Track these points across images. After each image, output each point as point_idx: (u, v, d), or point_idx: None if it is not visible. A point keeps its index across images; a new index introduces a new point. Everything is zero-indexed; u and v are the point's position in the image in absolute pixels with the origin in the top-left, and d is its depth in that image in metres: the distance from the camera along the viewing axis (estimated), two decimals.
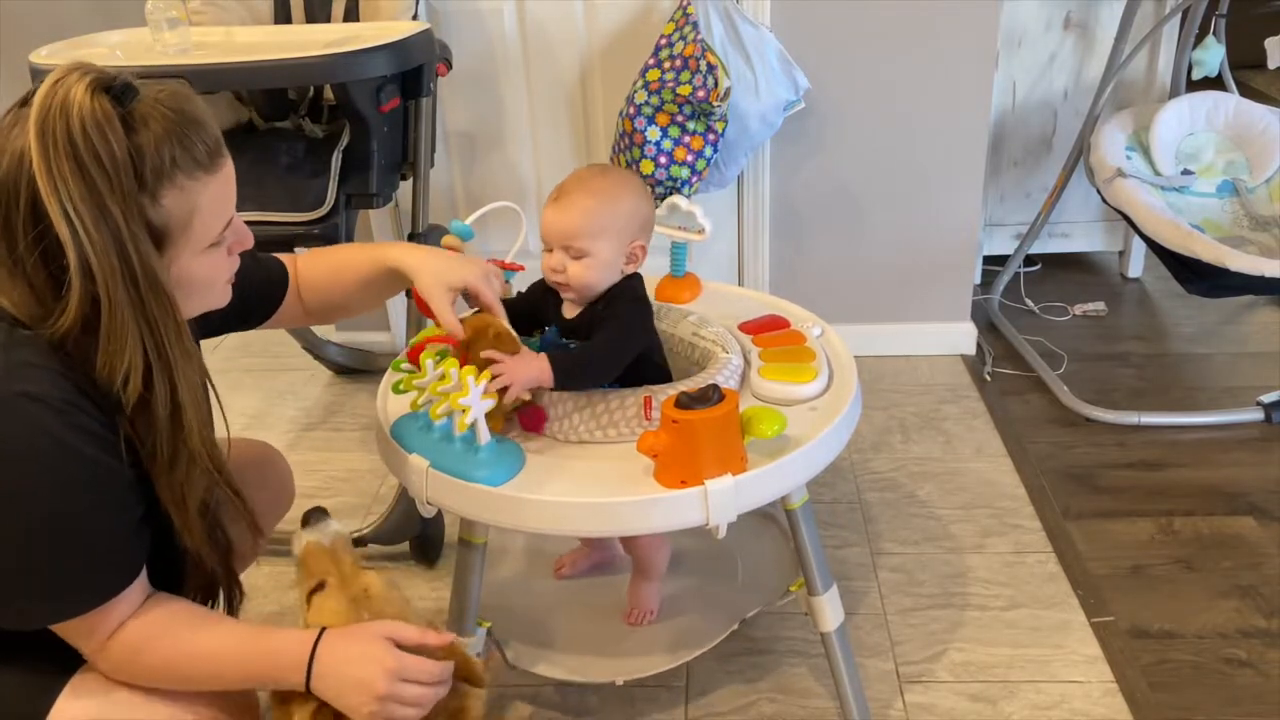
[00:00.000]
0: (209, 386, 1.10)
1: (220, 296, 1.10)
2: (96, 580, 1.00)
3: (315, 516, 1.21)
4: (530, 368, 1.23)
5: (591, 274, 1.31)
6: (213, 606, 1.17)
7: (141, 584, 1.05)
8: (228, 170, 1.03)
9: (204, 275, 1.04)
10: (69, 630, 1.02)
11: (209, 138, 1.00)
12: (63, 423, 0.95)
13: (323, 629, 1.07)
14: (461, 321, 1.27)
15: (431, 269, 1.27)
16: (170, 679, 1.05)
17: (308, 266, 1.36)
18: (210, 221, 1.01)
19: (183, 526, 1.06)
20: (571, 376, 1.26)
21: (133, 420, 1.00)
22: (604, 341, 1.30)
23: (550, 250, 1.32)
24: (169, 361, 0.99)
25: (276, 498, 1.40)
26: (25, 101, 0.95)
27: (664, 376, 1.41)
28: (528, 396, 1.26)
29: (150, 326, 0.97)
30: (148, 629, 1.03)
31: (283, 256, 1.36)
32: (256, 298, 1.32)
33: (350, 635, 1.07)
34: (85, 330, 0.96)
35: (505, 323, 1.28)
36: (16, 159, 0.92)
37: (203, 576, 1.13)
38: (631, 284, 1.35)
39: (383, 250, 1.33)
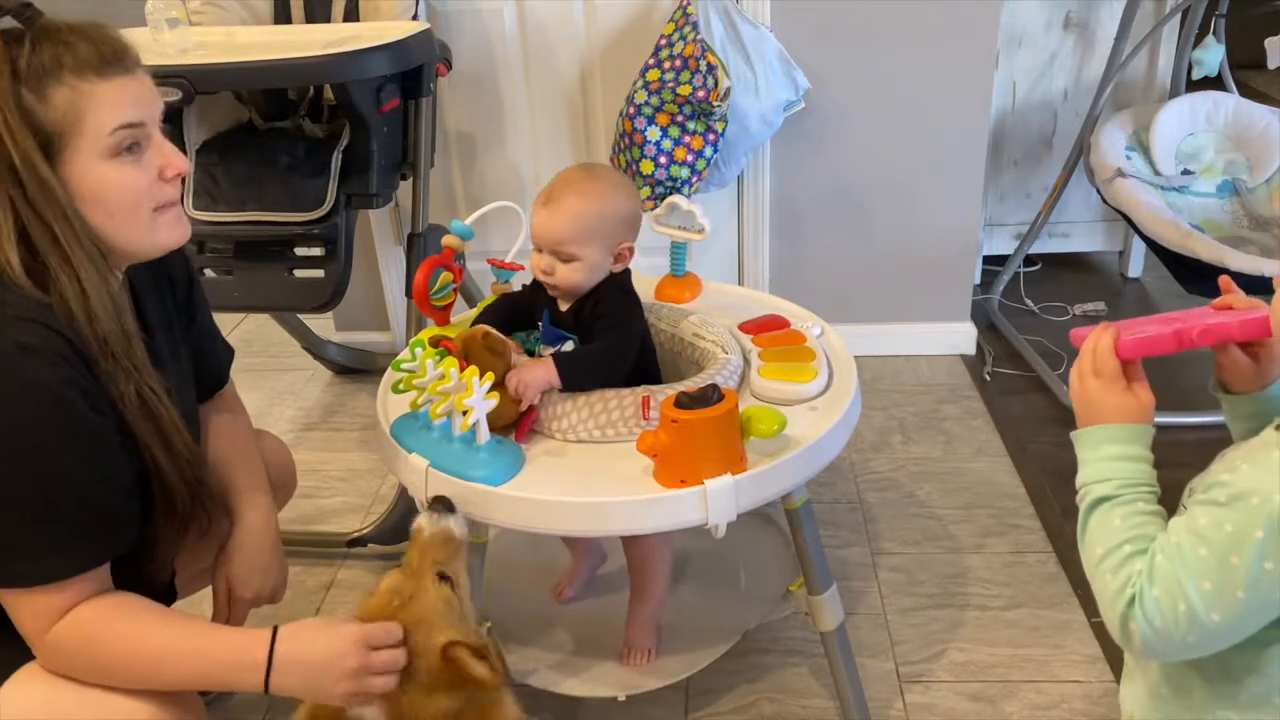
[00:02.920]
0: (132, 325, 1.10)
1: (146, 224, 1.07)
2: (75, 545, 1.01)
3: (437, 505, 1.19)
4: (538, 372, 1.26)
5: (579, 276, 1.32)
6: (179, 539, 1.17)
7: (105, 571, 1.05)
8: (129, 81, 1.04)
9: (115, 188, 1.03)
10: (24, 602, 1.01)
11: (104, 46, 1.02)
12: (55, 375, 0.98)
13: (275, 627, 1.07)
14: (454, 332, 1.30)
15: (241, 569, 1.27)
16: (119, 674, 1.04)
17: (214, 420, 1.36)
18: (104, 124, 1.01)
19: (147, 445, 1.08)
20: (578, 377, 1.28)
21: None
22: (606, 343, 1.33)
23: (540, 251, 1.33)
24: (67, 256, 1.01)
25: (277, 490, 1.41)
26: None
27: (652, 361, 1.43)
28: (536, 400, 1.27)
29: (40, 219, 0.99)
30: (101, 616, 1.02)
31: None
32: (208, 374, 1.35)
33: (305, 625, 1.08)
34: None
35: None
36: None
37: (173, 507, 1.13)
38: (616, 279, 1.36)
39: (235, 499, 1.30)
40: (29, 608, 1.01)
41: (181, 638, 1.06)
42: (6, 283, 0.99)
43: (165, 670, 1.05)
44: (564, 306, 1.38)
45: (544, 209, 1.32)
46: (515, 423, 1.28)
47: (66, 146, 1.01)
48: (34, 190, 0.99)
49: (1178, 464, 2.30)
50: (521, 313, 1.43)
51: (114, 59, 1.03)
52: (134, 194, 1.05)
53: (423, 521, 1.18)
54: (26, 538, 0.99)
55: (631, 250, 1.35)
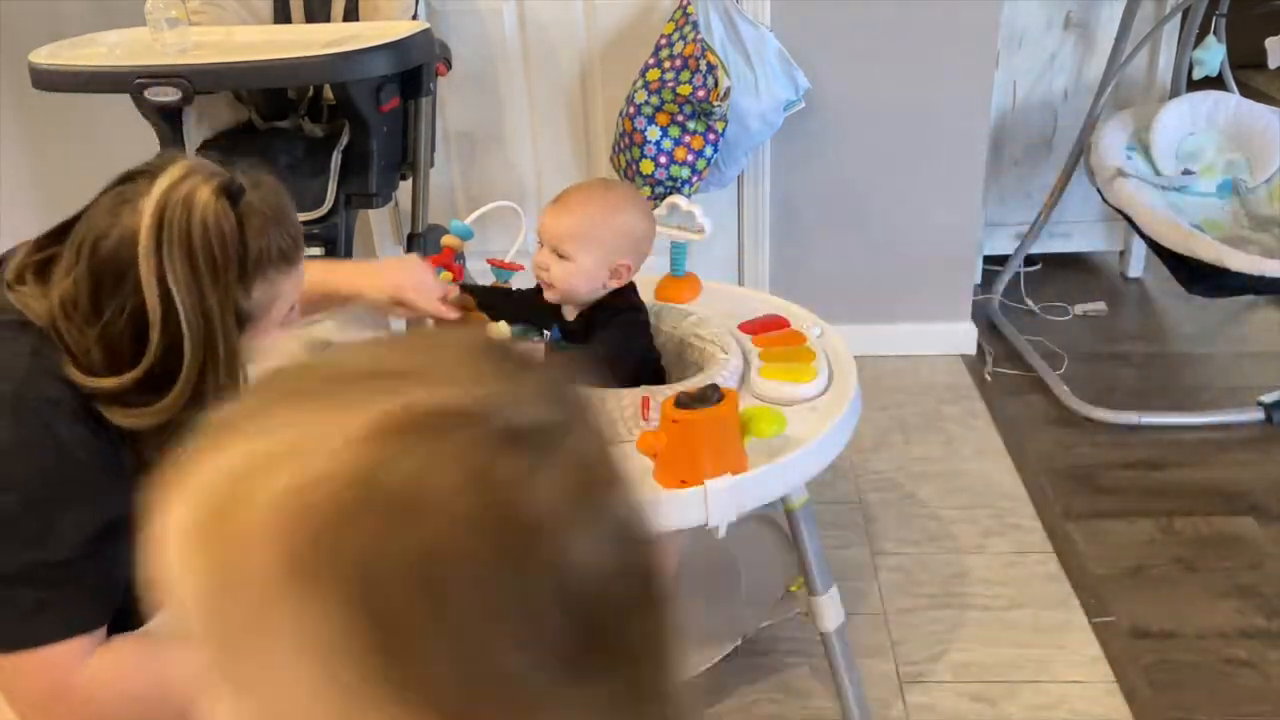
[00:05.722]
0: None
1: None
2: (72, 608, 0.97)
3: None
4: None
5: (572, 279, 1.34)
6: None
7: (103, 631, 1.01)
8: (300, 266, 1.08)
9: (259, 346, 1.07)
10: (17, 668, 0.95)
11: (295, 232, 1.05)
12: (74, 435, 0.96)
13: None
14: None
15: (372, 287, 1.34)
16: (160, 700, 0.99)
17: None
18: (285, 306, 1.07)
19: None
20: None
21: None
22: (604, 350, 1.34)
23: (542, 246, 1.36)
24: (196, 399, 1.01)
25: None
26: (126, 179, 0.99)
27: (660, 381, 1.43)
28: None
29: (212, 369, 1.00)
30: (120, 659, 0.99)
31: None
32: None
33: None
34: (140, 390, 0.98)
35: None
36: (129, 239, 0.96)
37: None
38: (625, 294, 1.39)
39: (325, 283, 1.34)
40: (25, 674, 0.95)
41: None
42: (49, 336, 0.97)
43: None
44: (571, 316, 1.39)
45: (553, 206, 1.35)
46: None
47: (251, 327, 1.04)
48: (223, 369, 1.00)
49: (1178, 464, 2.30)
50: (523, 311, 1.45)
51: (299, 241, 1.05)
52: (268, 343, 1.09)
53: None
54: (22, 596, 0.95)
55: (629, 269, 1.36)
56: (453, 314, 1.39)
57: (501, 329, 1.35)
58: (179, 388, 0.98)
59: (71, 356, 0.97)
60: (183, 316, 0.96)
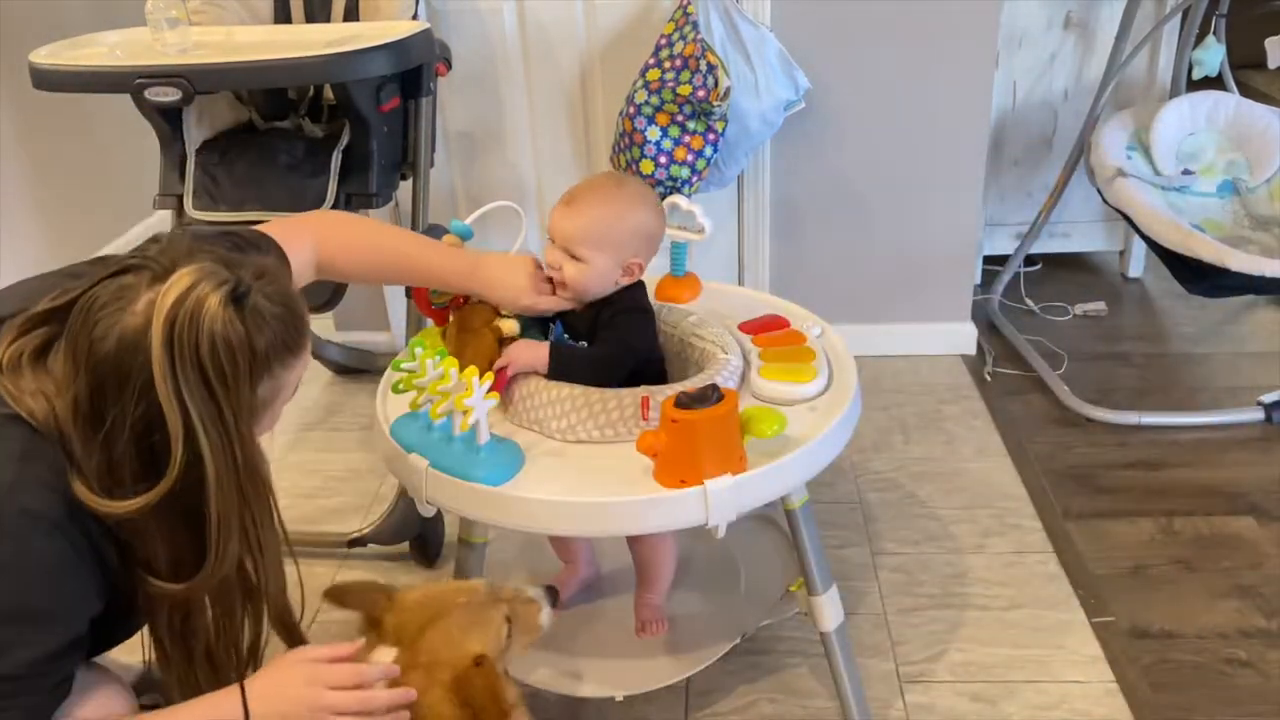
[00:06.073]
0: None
1: None
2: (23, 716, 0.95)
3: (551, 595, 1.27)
4: (528, 353, 1.30)
5: (584, 279, 1.34)
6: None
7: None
8: (306, 355, 1.05)
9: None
10: None
11: (301, 321, 1.03)
12: (52, 551, 0.93)
13: (242, 680, 1.04)
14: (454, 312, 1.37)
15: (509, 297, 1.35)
16: None
17: (345, 253, 1.29)
18: (288, 394, 1.05)
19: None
20: (566, 369, 1.30)
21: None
22: (605, 349, 1.35)
23: (552, 244, 1.36)
24: (260, 541, 1.02)
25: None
26: (123, 270, 0.95)
27: (660, 381, 1.44)
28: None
29: (247, 510, 1.00)
30: None
31: (291, 237, 1.23)
32: None
33: (268, 670, 1.06)
34: (157, 515, 0.95)
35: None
36: (130, 343, 0.92)
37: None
38: (633, 293, 1.39)
39: (452, 271, 1.34)
40: None
41: None
42: (49, 438, 0.94)
43: None
44: (574, 310, 1.39)
45: (564, 206, 1.35)
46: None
47: (255, 422, 1.01)
48: (245, 480, 0.98)
49: (1178, 464, 2.31)
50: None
51: (299, 334, 1.03)
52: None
53: (535, 594, 1.24)
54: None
55: (641, 266, 1.37)
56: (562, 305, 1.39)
57: (510, 325, 1.34)
58: (213, 507, 0.96)
59: (81, 475, 0.94)
60: (201, 433, 0.93)
